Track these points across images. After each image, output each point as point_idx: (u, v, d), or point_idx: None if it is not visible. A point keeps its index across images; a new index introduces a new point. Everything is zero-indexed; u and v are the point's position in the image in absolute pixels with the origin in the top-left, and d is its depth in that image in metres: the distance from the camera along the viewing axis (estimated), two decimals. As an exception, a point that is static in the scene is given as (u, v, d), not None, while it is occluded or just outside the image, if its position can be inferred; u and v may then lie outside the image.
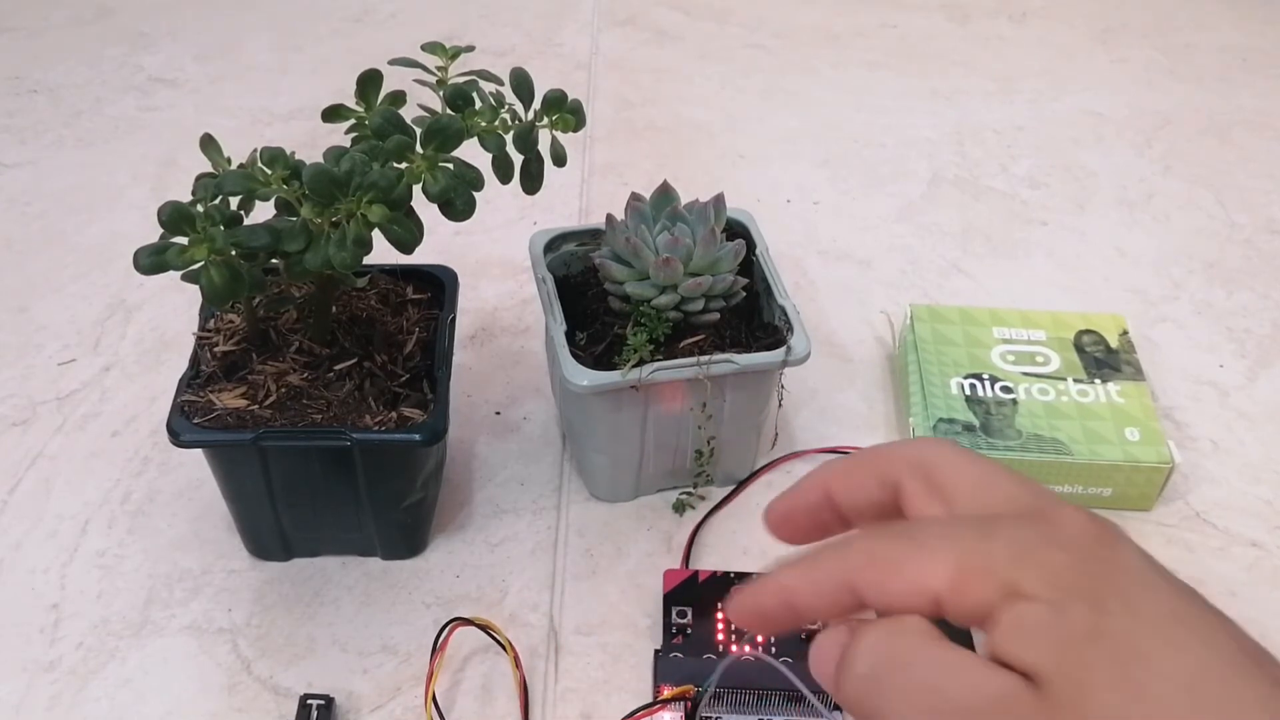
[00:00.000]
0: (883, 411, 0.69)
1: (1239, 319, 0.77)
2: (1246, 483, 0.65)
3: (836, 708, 0.52)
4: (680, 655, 0.53)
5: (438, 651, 0.52)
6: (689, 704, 0.51)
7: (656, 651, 0.54)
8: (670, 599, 0.56)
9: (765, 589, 0.30)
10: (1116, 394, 0.65)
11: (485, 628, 0.53)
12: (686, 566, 0.59)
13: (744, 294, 0.59)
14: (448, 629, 0.52)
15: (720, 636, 0.54)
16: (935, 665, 0.25)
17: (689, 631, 0.54)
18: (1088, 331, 0.69)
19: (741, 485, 0.64)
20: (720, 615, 0.55)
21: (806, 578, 0.28)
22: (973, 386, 0.65)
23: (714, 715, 0.52)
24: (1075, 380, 0.66)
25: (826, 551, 0.28)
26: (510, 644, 0.53)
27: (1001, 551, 0.25)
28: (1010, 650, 0.24)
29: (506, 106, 0.52)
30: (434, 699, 0.51)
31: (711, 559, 0.60)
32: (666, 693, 0.52)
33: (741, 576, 0.57)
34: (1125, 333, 0.69)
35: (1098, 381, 0.66)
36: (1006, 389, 0.65)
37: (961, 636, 0.54)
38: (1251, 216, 0.87)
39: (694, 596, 0.56)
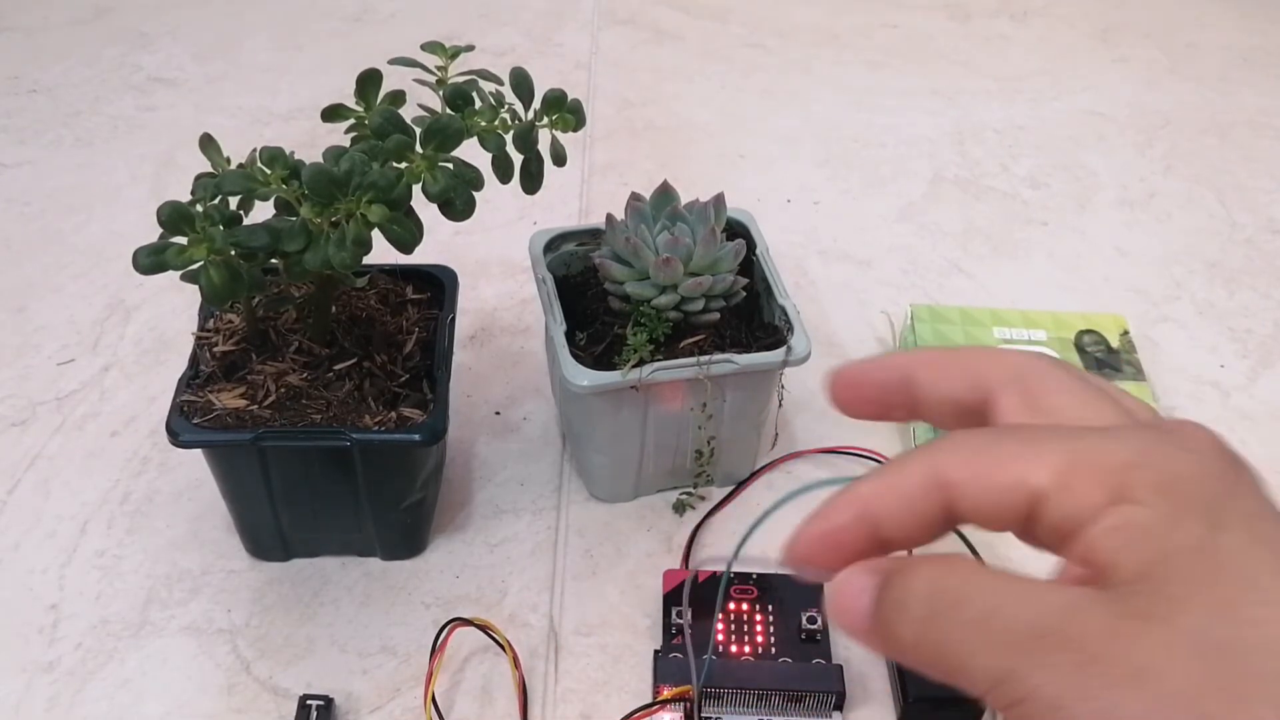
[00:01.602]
0: (883, 411, 0.69)
1: (1240, 319, 0.77)
2: (1248, 483, 0.65)
3: (838, 707, 0.52)
4: (680, 655, 0.53)
5: (437, 652, 0.52)
6: (688, 704, 0.51)
7: (656, 652, 0.54)
8: (670, 599, 0.56)
9: (836, 505, 0.26)
10: (1118, 394, 0.65)
11: (484, 628, 0.53)
12: (686, 567, 0.59)
13: (744, 294, 0.59)
14: (447, 629, 0.52)
15: (720, 637, 0.54)
16: (996, 593, 0.23)
17: (689, 630, 0.54)
18: (1089, 331, 0.69)
19: (741, 485, 0.64)
20: (720, 616, 0.55)
21: (887, 480, 0.25)
22: None
23: (714, 715, 0.52)
24: (1076, 380, 0.65)
25: (911, 452, 0.25)
26: (509, 644, 0.53)
27: (1119, 452, 0.23)
28: (1104, 549, 0.22)
29: (506, 106, 0.52)
30: (433, 699, 0.51)
31: (712, 559, 0.60)
32: (666, 693, 0.52)
33: (741, 576, 0.57)
34: (1126, 333, 0.69)
35: (1099, 381, 0.65)
36: None
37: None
38: (1253, 216, 0.87)
39: (694, 596, 0.56)
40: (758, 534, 0.63)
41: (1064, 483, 0.23)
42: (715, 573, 0.58)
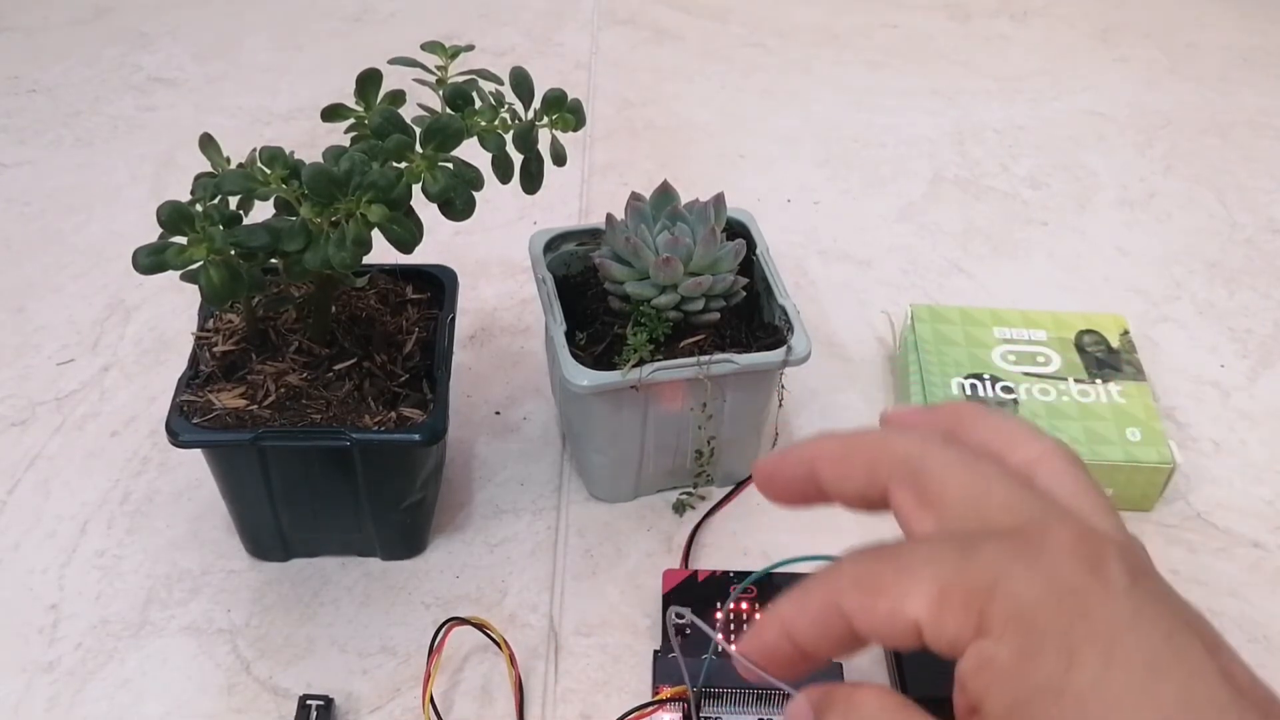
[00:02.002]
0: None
1: (1241, 319, 0.77)
2: (1248, 483, 0.65)
3: None
4: (680, 656, 0.53)
5: (435, 652, 0.52)
6: (687, 704, 0.51)
7: (656, 652, 0.54)
8: (669, 599, 0.56)
9: (764, 624, 0.29)
10: (1118, 394, 0.65)
11: (481, 627, 0.53)
12: (686, 566, 0.59)
13: (744, 294, 0.59)
14: (444, 629, 0.52)
15: (719, 636, 0.54)
16: None
17: (688, 631, 0.54)
18: (1089, 331, 0.69)
19: (741, 485, 0.64)
20: (718, 615, 0.55)
21: (799, 605, 0.28)
22: (973, 387, 0.65)
23: (713, 715, 0.52)
24: (1076, 380, 0.66)
25: (817, 576, 0.28)
26: (505, 642, 0.53)
27: (977, 578, 0.24)
28: (971, 690, 0.23)
29: (506, 106, 0.52)
30: (432, 700, 0.51)
31: (711, 559, 0.60)
32: (665, 692, 0.52)
33: (740, 576, 0.57)
34: (1126, 333, 0.69)
35: (1099, 382, 0.66)
36: (1007, 389, 0.65)
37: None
38: (1253, 216, 0.87)
39: (693, 596, 0.56)
40: (758, 533, 0.63)
41: (934, 614, 0.24)
42: (715, 572, 0.58)
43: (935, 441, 0.28)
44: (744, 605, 0.56)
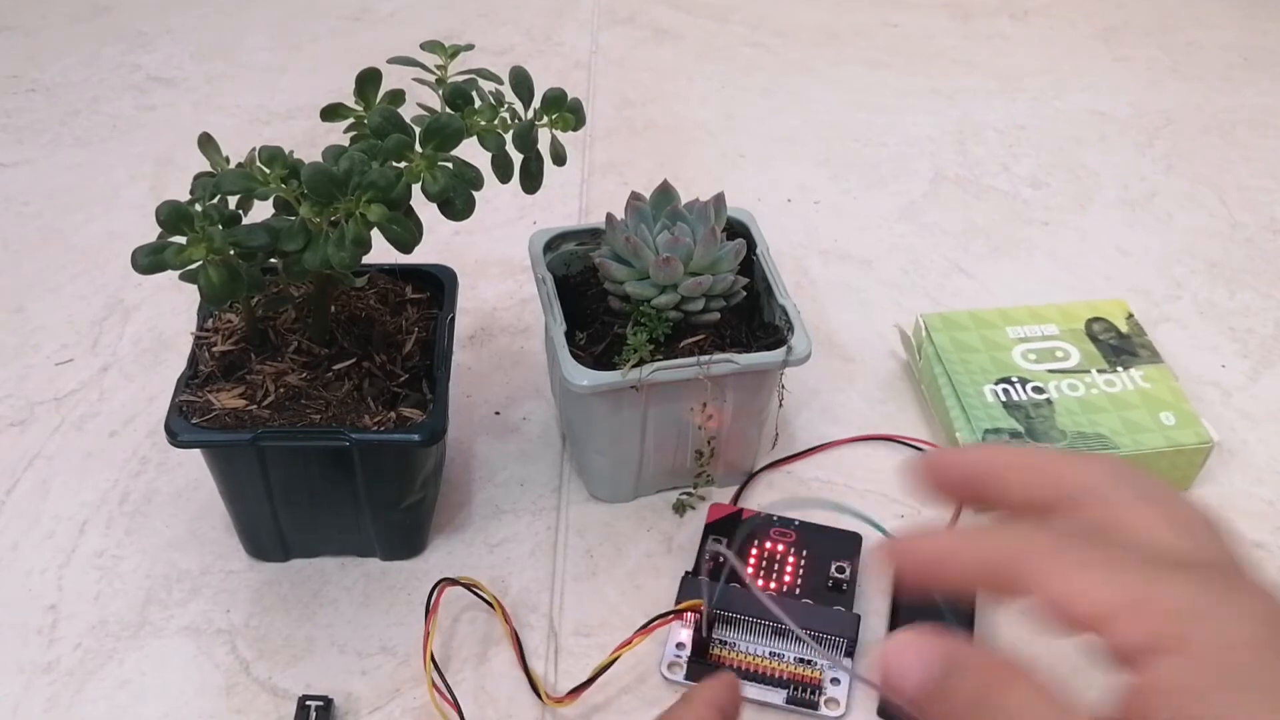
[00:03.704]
0: (884, 412, 0.69)
1: (1242, 319, 0.77)
2: (1249, 483, 0.65)
3: (849, 654, 0.54)
4: (706, 579, 0.55)
5: (430, 613, 0.53)
6: (698, 616, 0.53)
7: (686, 573, 0.56)
8: (711, 529, 0.59)
9: (926, 539, 0.27)
10: (1141, 379, 0.65)
11: (470, 586, 0.55)
12: (734, 505, 0.62)
13: (744, 294, 0.59)
14: (437, 590, 0.54)
15: (751, 570, 0.57)
16: None
17: (721, 559, 0.56)
18: (1096, 319, 0.69)
19: (742, 485, 0.64)
20: (753, 551, 0.57)
21: (973, 539, 0.27)
22: (1006, 392, 0.65)
23: (726, 639, 0.54)
24: (1099, 371, 0.66)
25: (1011, 527, 0.27)
26: (498, 601, 0.55)
27: (1189, 597, 0.24)
28: (1147, 706, 0.23)
29: (506, 105, 0.52)
30: (433, 657, 0.52)
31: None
32: (683, 605, 0.54)
33: (784, 521, 0.59)
34: (1131, 315, 0.69)
35: (1120, 369, 0.66)
36: (1038, 389, 0.65)
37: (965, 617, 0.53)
38: (1254, 216, 0.87)
39: (734, 530, 0.59)
40: (794, 485, 0.62)
41: (1120, 616, 0.24)
42: (759, 512, 0.60)
43: (1124, 472, 0.28)
44: (779, 547, 0.58)
